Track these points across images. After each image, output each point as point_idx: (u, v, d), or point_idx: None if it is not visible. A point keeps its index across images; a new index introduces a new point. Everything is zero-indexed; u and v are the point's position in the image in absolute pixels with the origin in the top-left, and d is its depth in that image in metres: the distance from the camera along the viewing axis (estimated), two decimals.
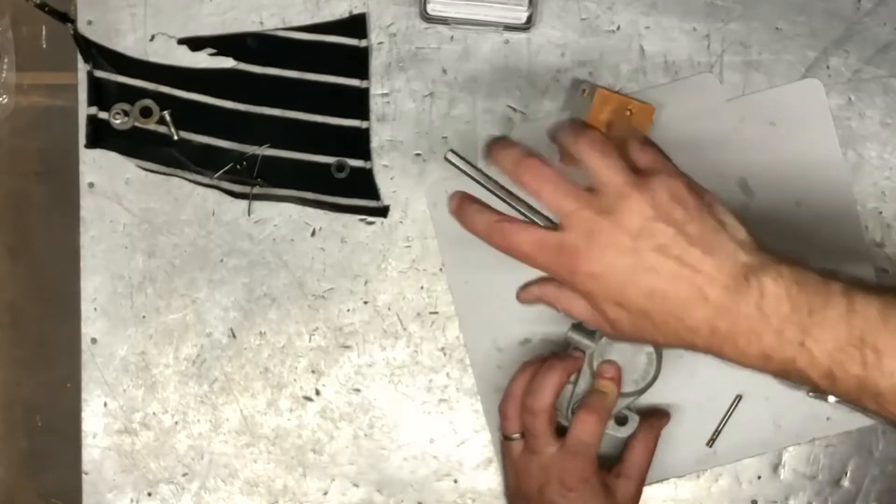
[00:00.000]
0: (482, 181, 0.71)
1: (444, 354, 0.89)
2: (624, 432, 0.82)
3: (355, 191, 0.89)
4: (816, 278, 0.65)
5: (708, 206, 0.69)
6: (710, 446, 0.87)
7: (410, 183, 0.89)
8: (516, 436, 0.81)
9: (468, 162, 0.71)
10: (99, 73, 0.89)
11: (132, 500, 0.89)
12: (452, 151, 0.71)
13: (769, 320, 0.64)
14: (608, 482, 0.80)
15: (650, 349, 0.81)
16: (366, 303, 0.89)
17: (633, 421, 0.82)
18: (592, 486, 0.78)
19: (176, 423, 0.89)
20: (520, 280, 0.87)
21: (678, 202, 0.68)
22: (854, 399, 0.64)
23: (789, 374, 0.65)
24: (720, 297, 0.65)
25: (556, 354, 0.82)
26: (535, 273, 0.74)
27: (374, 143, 0.89)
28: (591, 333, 0.81)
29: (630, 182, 0.69)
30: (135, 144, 0.89)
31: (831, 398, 0.86)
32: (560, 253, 0.69)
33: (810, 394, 0.86)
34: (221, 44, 0.89)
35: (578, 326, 0.82)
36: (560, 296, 0.74)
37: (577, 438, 0.78)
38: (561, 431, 0.80)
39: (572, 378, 0.81)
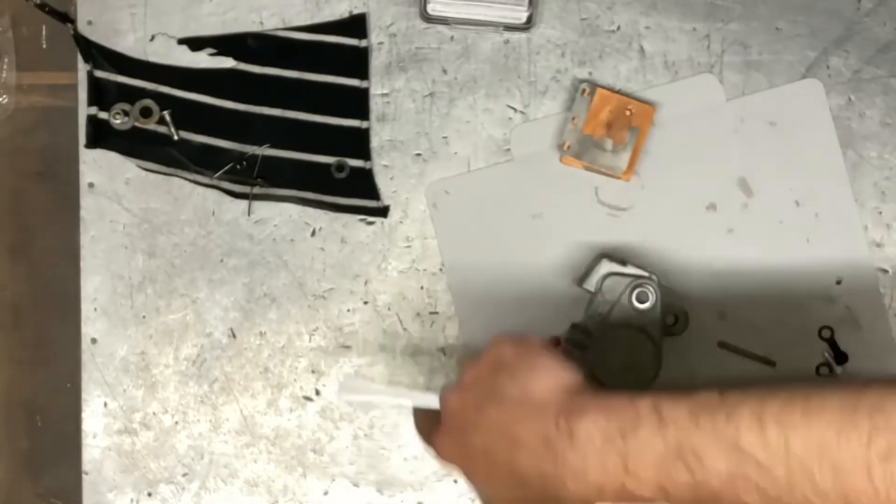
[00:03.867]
0: (385, 395, 0.78)
1: (444, 354, 0.89)
2: None
3: (355, 191, 0.89)
4: (624, 402, 0.66)
5: (510, 374, 0.71)
6: None
7: (410, 183, 0.89)
8: None
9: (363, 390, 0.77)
10: (99, 73, 0.89)
11: (132, 500, 0.89)
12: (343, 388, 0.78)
13: (587, 457, 0.65)
14: None
15: (650, 348, 0.81)
16: (366, 303, 0.89)
17: None
18: None
19: (176, 423, 0.89)
20: (519, 281, 0.87)
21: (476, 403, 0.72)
22: None
23: (627, 500, 0.65)
24: (537, 450, 0.67)
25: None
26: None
27: (374, 143, 0.89)
28: (590, 333, 0.81)
29: (448, 392, 0.74)
30: (135, 144, 0.89)
31: None
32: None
33: None
34: (221, 44, 0.89)
35: (578, 326, 0.82)
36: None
37: None
38: None
39: None
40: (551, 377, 0.69)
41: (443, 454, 0.73)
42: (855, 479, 0.59)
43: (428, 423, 0.76)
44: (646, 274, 0.82)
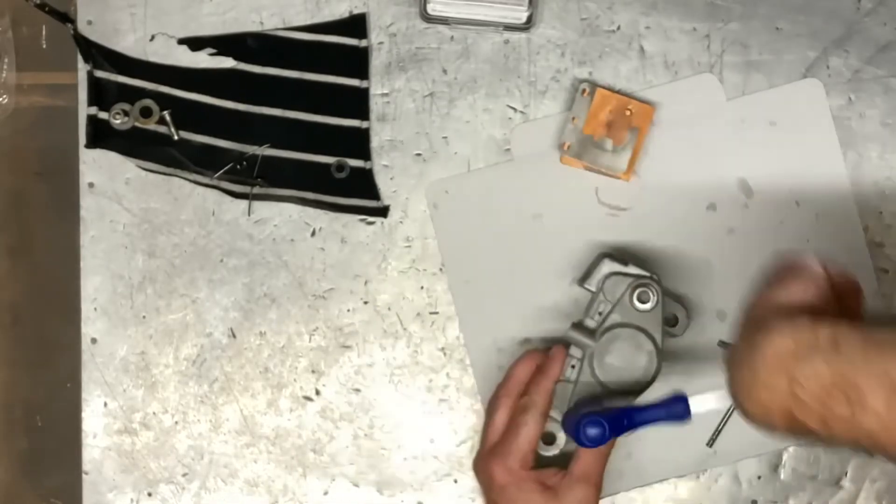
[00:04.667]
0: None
1: (444, 354, 0.89)
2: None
3: (355, 191, 0.89)
4: (806, 325, 0.63)
5: None
6: (710, 446, 0.87)
7: (410, 183, 0.89)
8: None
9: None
10: (99, 73, 0.89)
11: (132, 500, 0.89)
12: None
13: (756, 374, 0.63)
14: (561, 485, 0.79)
15: (651, 348, 0.81)
16: (366, 303, 0.89)
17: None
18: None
19: (176, 423, 0.89)
20: (519, 281, 0.87)
21: None
22: (853, 444, 0.61)
23: (796, 429, 0.63)
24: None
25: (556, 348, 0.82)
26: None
27: (374, 143, 0.89)
28: (590, 332, 0.81)
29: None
30: (135, 144, 0.89)
31: None
32: None
33: None
34: (221, 44, 0.89)
35: (578, 325, 0.82)
36: None
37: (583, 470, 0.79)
38: (549, 437, 0.81)
39: (572, 377, 0.81)
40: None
41: None
42: None
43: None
44: (647, 274, 0.82)
